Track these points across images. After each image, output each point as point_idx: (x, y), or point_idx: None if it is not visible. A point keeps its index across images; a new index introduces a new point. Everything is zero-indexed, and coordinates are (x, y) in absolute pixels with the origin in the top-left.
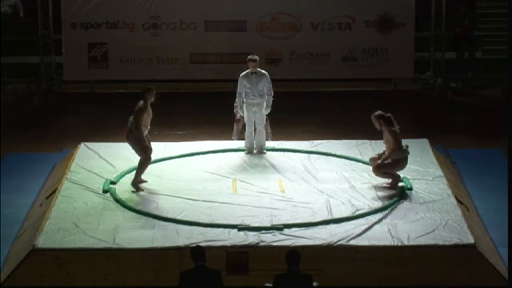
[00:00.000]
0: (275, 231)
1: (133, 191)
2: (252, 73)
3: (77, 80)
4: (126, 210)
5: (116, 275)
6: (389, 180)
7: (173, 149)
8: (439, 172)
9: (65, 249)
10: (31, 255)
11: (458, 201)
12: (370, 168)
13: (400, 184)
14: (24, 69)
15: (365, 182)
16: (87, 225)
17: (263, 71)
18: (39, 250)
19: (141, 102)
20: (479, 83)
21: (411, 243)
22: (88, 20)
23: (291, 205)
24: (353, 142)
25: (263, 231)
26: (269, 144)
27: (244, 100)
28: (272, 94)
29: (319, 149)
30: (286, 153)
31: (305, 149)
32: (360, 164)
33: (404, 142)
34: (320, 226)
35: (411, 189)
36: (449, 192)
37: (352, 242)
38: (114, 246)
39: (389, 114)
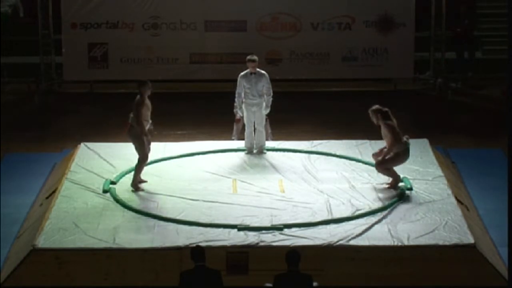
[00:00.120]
0: (275, 231)
1: (133, 191)
2: (251, 73)
3: (77, 80)
4: (126, 210)
5: (116, 275)
6: (389, 180)
7: (173, 149)
8: (439, 172)
9: (65, 249)
10: (31, 255)
11: (458, 201)
12: (370, 168)
13: (400, 184)
14: (24, 69)
15: (365, 182)
16: (87, 225)
17: (262, 71)
18: (39, 250)
19: (138, 96)
20: (479, 83)
21: (411, 243)
22: (88, 20)
23: (291, 205)
24: (353, 142)
25: (263, 231)
26: (269, 144)
27: (244, 100)
28: (272, 94)
29: (319, 149)
30: (286, 153)
31: (305, 149)
32: (360, 164)
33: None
34: (320, 226)
35: (411, 189)
36: (449, 192)
37: (352, 242)
38: (114, 246)
39: (386, 109)
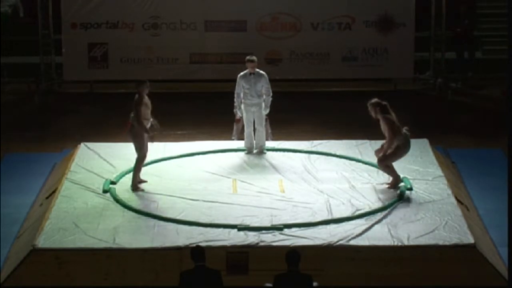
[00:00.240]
0: (275, 231)
1: (133, 191)
2: (250, 73)
3: (77, 80)
4: (126, 210)
5: (116, 275)
6: (390, 180)
7: (173, 149)
8: (439, 172)
9: (65, 249)
10: (31, 255)
11: (458, 201)
12: (370, 168)
13: (400, 184)
14: (24, 69)
15: (365, 182)
16: (87, 225)
17: (262, 72)
18: (39, 250)
19: (136, 96)
20: (479, 83)
21: (411, 243)
22: (88, 20)
23: (291, 205)
24: (353, 142)
25: (263, 231)
26: (269, 144)
27: (243, 100)
28: (271, 94)
29: (319, 149)
30: (286, 153)
31: (305, 149)
32: (360, 164)
33: None
34: (320, 226)
35: (411, 189)
36: (449, 192)
37: (352, 242)
38: (114, 246)
39: (385, 102)
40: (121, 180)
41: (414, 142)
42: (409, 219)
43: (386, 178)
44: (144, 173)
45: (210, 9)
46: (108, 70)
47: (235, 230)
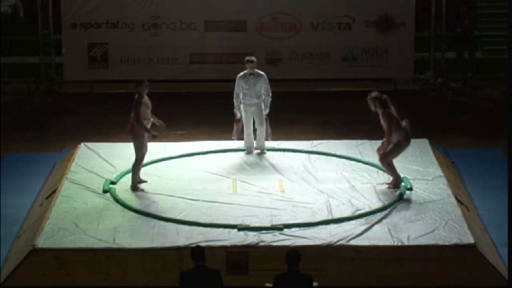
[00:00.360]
0: (275, 231)
1: (133, 191)
2: (249, 74)
3: (77, 80)
4: (126, 210)
5: (116, 275)
6: (390, 180)
7: (173, 149)
8: (439, 172)
9: (65, 249)
10: (31, 255)
11: (458, 201)
12: (370, 168)
13: (400, 184)
14: (24, 69)
15: (365, 182)
16: (87, 225)
17: (261, 72)
18: (39, 250)
19: (136, 96)
20: (479, 83)
21: (411, 243)
22: (88, 20)
23: (291, 205)
24: (353, 142)
25: (263, 231)
26: (269, 144)
27: (242, 101)
28: (271, 94)
29: (319, 149)
30: (286, 153)
31: (305, 149)
32: (360, 164)
33: None
34: (320, 226)
35: (411, 189)
36: (449, 192)
37: (352, 242)
38: (114, 246)
39: (385, 96)
40: (121, 180)
41: (414, 142)
42: (409, 219)
43: (386, 178)
44: (144, 173)
45: (210, 9)
46: (108, 70)
47: (235, 230)
